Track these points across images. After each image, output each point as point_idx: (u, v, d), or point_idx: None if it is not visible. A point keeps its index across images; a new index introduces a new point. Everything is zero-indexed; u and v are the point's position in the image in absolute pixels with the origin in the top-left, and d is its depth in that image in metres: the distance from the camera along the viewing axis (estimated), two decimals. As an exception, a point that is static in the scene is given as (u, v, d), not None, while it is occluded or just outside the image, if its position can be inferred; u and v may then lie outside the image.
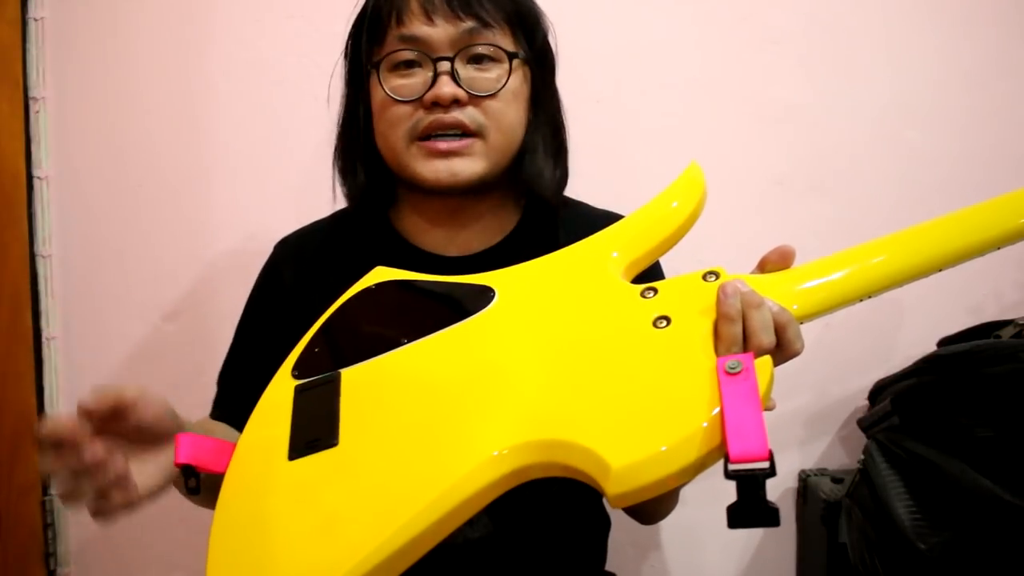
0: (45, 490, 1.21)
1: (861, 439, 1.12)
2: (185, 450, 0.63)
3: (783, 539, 1.24)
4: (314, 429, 0.62)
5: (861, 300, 0.63)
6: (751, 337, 0.58)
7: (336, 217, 0.91)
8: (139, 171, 1.21)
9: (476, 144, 0.78)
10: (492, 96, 0.78)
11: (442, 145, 0.77)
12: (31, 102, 1.20)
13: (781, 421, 1.23)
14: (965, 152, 1.22)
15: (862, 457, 1.06)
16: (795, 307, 0.61)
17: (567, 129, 0.88)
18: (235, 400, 0.83)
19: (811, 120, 1.22)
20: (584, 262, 0.69)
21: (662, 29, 1.21)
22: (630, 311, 0.61)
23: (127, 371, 1.21)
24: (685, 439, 0.50)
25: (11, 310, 1.18)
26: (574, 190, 0.89)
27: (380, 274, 0.74)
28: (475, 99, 0.77)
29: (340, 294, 0.74)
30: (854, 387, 1.21)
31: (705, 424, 0.50)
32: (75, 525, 1.23)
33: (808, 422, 1.24)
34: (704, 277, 0.63)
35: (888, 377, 1.13)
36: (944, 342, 1.11)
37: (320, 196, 0.90)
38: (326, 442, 0.61)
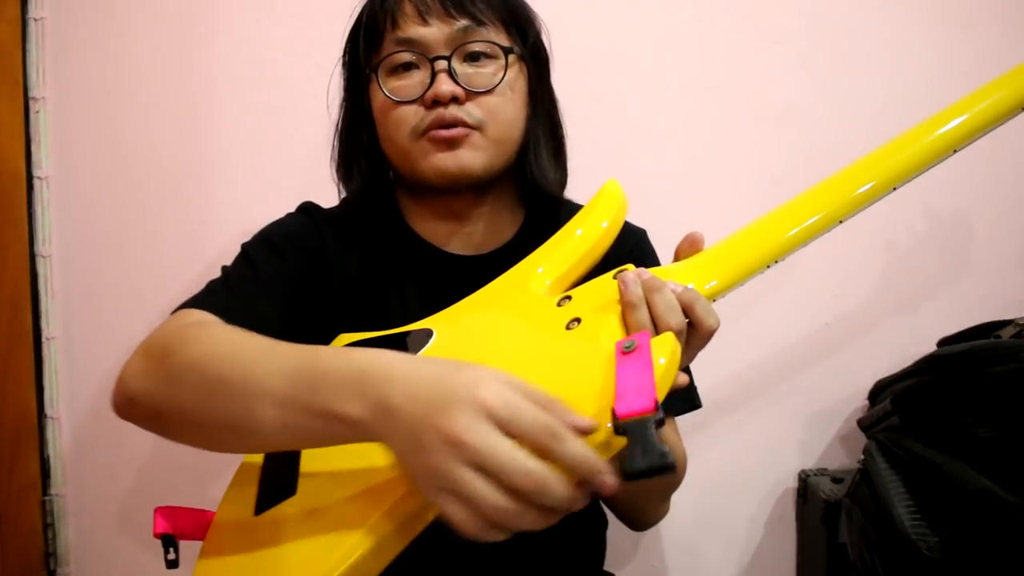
0: (45, 490, 1.21)
1: (861, 439, 1.12)
2: (163, 521, 0.65)
3: (783, 539, 1.24)
4: (277, 481, 0.65)
5: (768, 267, 0.66)
6: (658, 320, 0.59)
7: (347, 210, 0.88)
8: (139, 171, 1.21)
9: (475, 135, 0.79)
10: (489, 92, 0.79)
11: (444, 133, 0.78)
12: (31, 102, 1.20)
13: (781, 421, 1.23)
14: (964, 151, 1.22)
15: (862, 457, 1.06)
16: (707, 285, 0.64)
17: (565, 128, 0.89)
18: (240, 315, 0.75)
19: (811, 120, 1.22)
20: (510, 290, 0.72)
21: (662, 29, 1.21)
22: (546, 322, 0.64)
23: (127, 371, 1.21)
24: None
25: (11, 310, 1.18)
26: (575, 189, 0.90)
27: (342, 339, 0.77)
28: (473, 96, 0.78)
29: (362, 288, 0.78)
30: (854, 387, 1.21)
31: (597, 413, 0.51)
32: (75, 525, 1.23)
33: (808, 422, 1.24)
34: (614, 276, 0.65)
35: (888, 377, 1.13)
36: (944, 342, 1.11)
37: (321, 195, 0.90)
38: (287, 492, 0.63)
